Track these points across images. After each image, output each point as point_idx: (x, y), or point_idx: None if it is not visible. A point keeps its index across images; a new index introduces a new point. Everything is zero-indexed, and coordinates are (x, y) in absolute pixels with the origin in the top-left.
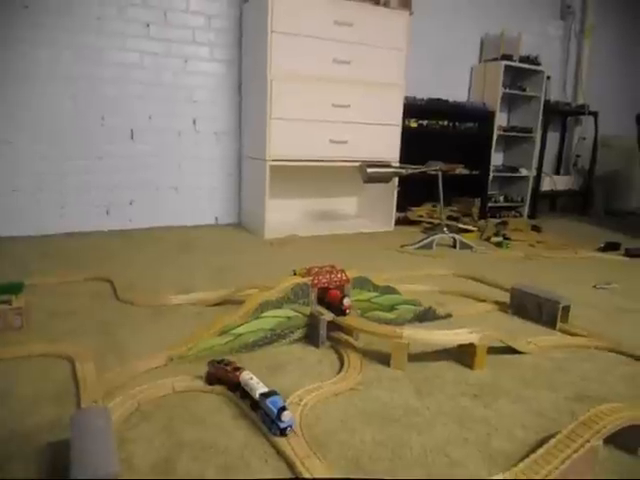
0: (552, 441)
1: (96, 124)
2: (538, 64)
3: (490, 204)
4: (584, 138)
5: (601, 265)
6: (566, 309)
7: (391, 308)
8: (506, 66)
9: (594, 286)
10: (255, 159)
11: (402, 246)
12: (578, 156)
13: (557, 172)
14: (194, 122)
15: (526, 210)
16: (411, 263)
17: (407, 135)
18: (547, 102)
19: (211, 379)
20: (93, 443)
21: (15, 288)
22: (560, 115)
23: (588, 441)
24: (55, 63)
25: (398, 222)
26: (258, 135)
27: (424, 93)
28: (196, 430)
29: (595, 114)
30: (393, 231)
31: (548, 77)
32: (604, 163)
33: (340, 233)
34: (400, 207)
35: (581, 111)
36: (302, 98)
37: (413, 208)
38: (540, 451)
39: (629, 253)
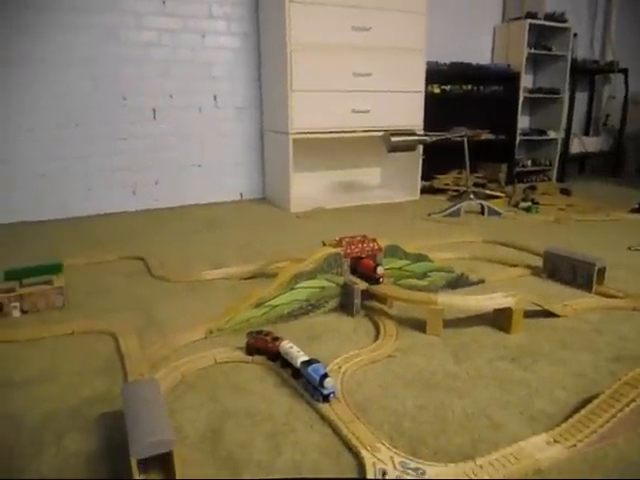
0: (596, 401)
1: (118, 105)
2: (564, 21)
3: (517, 169)
4: (614, 97)
5: (635, 226)
6: (602, 271)
7: (423, 275)
8: (530, 25)
9: (629, 248)
10: (278, 133)
11: (429, 214)
12: (608, 115)
13: (586, 133)
14: (215, 98)
15: (555, 173)
16: (439, 231)
17: (430, 101)
18: (574, 61)
19: (251, 349)
20: (146, 412)
21: (55, 268)
22: (588, 74)
23: (633, 400)
24: (72, 45)
25: (423, 191)
26: (279, 108)
27: (446, 57)
28: (240, 399)
29: (625, 71)
30: (419, 200)
31: (575, 34)
32: (635, 121)
33: (366, 204)
34: (425, 175)
35: (610, 69)
36: (322, 68)
37: (438, 176)
38: (584, 411)
39: None
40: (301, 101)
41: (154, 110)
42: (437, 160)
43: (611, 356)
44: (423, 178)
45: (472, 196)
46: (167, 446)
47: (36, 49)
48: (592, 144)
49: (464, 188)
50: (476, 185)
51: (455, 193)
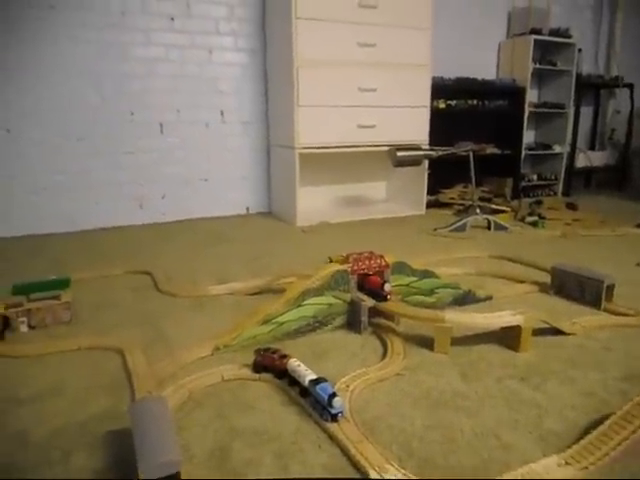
0: (607, 422)
1: (125, 119)
2: (569, 37)
3: (523, 183)
4: (619, 111)
5: None
6: (610, 288)
7: (431, 292)
8: (535, 40)
9: (637, 264)
10: (284, 147)
11: (435, 229)
12: (613, 130)
13: (592, 147)
14: (222, 113)
15: (560, 188)
16: (445, 246)
17: (436, 116)
18: (579, 76)
19: (258, 367)
20: (155, 431)
21: (63, 283)
22: (593, 89)
23: None
24: (81, 60)
25: (429, 205)
26: (286, 123)
27: (452, 73)
28: (248, 417)
29: (630, 86)
30: (425, 214)
31: (579, 50)
32: None
33: (371, 218)
34: (431, 190)
35: (615, 83)
36: (328, 84)
37: (444, 190)
38: (595, 432)
39: None
40: (307, 116)
41: (161, 125)
42: (443, 174)
43: (620, 375)
44: (429, 192)
45: (478, 210)
46: (175, 467)
47: (45, 63)
48: (598, 158)
49: (470, 202)
50: (482, 199)
51: (461, 207)
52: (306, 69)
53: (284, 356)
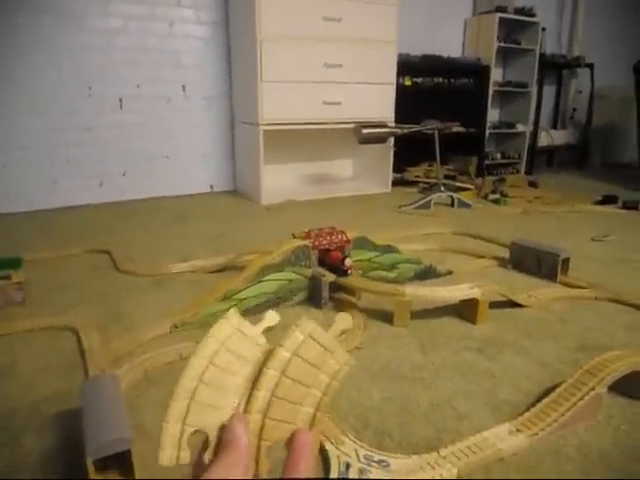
0: (558, 390)
1: (83, 94)
2: (533, 15)
3: (487, 161)
4: (580, 91)
5: (599, 218)
6: (566, 261)
7: (392, 267)
8: (500, 18)
9: (592, 239)
10: (248, 124)
11: (400, 207)
12: (574, 109)
13: (554, 126)
14: (183, 88)
15: (523, 166)
16: (410, 223)
17: (402, 93)
18: (542, 55)
19: None
20: (104, 410)
21: (14, 263)
22: (556, 68)
23: (593, 389)
24: (35, 31)
25: (395, 183)
26: (249, 99)
27: (418, 50)
28: None
29: (591, 66)
30: (390, 192)
31: (543, 29)
32: (601, 115)
33: (337, 196)
34: (397, 168)
35: (577, 63)
36: (293, 59)
37: (410, 168)
38: (546, 400)
39: (626, 205)
40: (271, 92)
41: (120, 100)
42: (409, 152)
43: (574, 345)
44: (395, 170)
45: (442, 188)
46: (124, 445)
47: None
48: (559, 137)
49: (435, 180)
50: (447, 177)
51: (426, 185)
52: (270, 43)
53: None
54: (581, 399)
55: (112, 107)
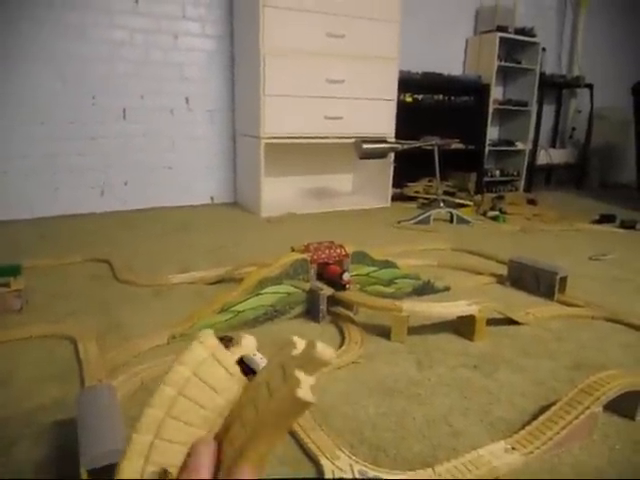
0: (553, 408)
1: (87, 104)
2: (533, 36)
3: (486, 178)
4: (579, 111)
5: (596, 237)
6: (563, 280)
7: (390, 282)
8: (501, 38)
9: (590, 257)
10: (249, 137)
11: (399, 222)
12: (574, 129)
13: (553, 145)
14: (187, 100)
15: (522, 184)
16: (408, 238)
17: (402, 110)
18: (542, 74)
19: None
20: (99, 420)
21: (13, 270)
22: (555, 88)
23: (588, 408)
24: (42, 42)
25: (394, 198)
26: (252, 112)
27: (419, 67)
28: None
29: (590, 86)
30: (390, 207)
31: (543, 49)
32: (599, 136)
33: (337, 210)
34: (396, 183)
35: (576, 83)
36: (296, 74)
37: (410, 184)
38: (541, 418)
39: (623, 225)
40: (273, 106)
41: (124, 110)
42: (409, 168)
43: (570, 364)
44: (395, 185)
45: (442, 204)
46: (118, 456)
47: (4, 44)
48: (558, 156)
49: (434, 196)
50: (446, 193)
51: (425, 201)
52: (273, 58)
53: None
54: (576, 418)
55: (115, 117)
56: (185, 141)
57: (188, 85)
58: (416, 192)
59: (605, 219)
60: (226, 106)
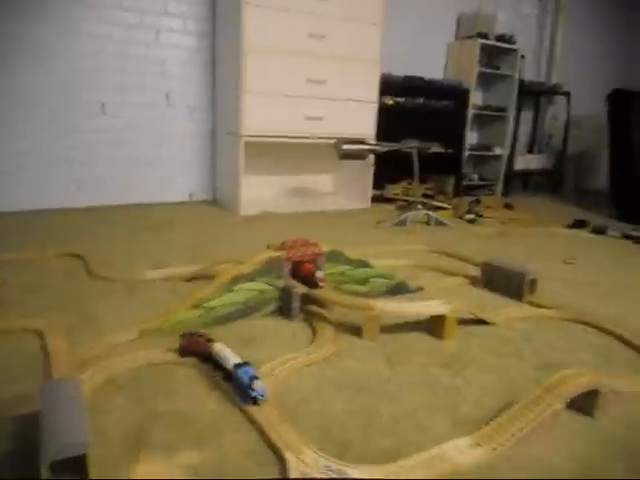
0: (517, 406)
1: (65, 98)
2: (513, 43)
3: (465, 182)
4: (556, 118)
5: (569, 241)
6: (533, 282)
7: (364, 281)
8: (482, 44)
9: (564, 261)
10: (229, 134)
11: (378, 223)
12: (550, 135)
13: (530, 151)
14: (167, 96)
15: (499, 188)
16: (386, 239)
17: (383, 112)
18: (521, 81)
19: (184, 351)
20: (63, 413)
21: None
22: (533, 94)
23: (550, 405)
24: (23, 35)
25: (374, 199)
26: (232, 110)
27: (401, 70)
28: (169, 401)
29: (567, 94)
30: (369, 209)
31: (522, 56)
32: (575, 143)
33: (316, 210)
34: (377, 185)
35: (554, 91)
36: (277, 73)
37: (389, 186)
38: (505, 415)
39: (595, 230)
40: (254, 104)
41: (103, 105)
42: (389, 170)
43: (538, 364)
44: (375, 187)
45: (420, 206)
46: (81, 449)
47: None
48: (535, 162)
49: (413, 199)
50: (425, 196)
51: (404, 203)
52: (254, 56)
53: (210, 340)
54: (539, 415)
55: (94, 112)
56: (164, 137)
57: (169, 81)
58: (395, 194)
59: (578, 224)
60: (207, 103)
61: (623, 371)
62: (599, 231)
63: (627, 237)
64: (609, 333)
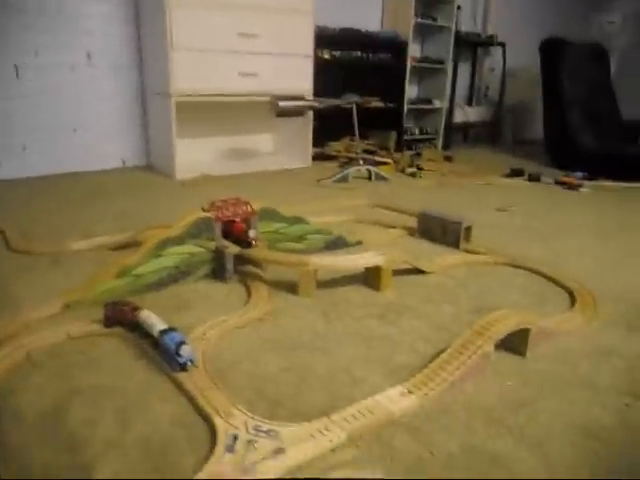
0: (448, 350)
1: None
2: None
3: (406, 137)
4: (493, 69)
5: (506, 190)
6: (468, 229)
7: (300, 238)
8: None
9: (498, 209)
10: (159, 95)
11: (319, 180)
12: (488, 87)
13: (469, 103)
14: (89, 56)
15: (441, 142)
16: (327, 196)
17: (321, 67)
18: (458, 33)
19: (109, 322)
20: None
21: None
22: (471, 46)
23: (480, 347)
24: None
25: (316, 158)
26: (160, 68)
27: (336, 22)
28: (93, 375)
29: (503, 45)
30: (311, 167)
31: (459, 7)
32: (512, 94)
33: (257, 171)
34: (318, 142)
35: (490, 42)
36: (205, 26)
37: (331, 143)
38: (437, 360)
39: (530, 178)
40: (182, 61)
41: (16, 67)
42: (330, 127)
43: (472, 308)
44: (317, 145)
45: (361, 162)
46: None
47: None
48: (474, 114)
49: (354, 155)
50: (367, 152)
51: (346, 160)
52: (180, 9)
53: (136, 308)
54: (469, 358)
55: (7, 76)
56: (89, 100)
57: (89, 39)
58: (337, 151)
59: (515, 173)
60: (133, 62)
61: (553, 310)
62: (534, 179)
63: (559, 183)
64: (540, 275)
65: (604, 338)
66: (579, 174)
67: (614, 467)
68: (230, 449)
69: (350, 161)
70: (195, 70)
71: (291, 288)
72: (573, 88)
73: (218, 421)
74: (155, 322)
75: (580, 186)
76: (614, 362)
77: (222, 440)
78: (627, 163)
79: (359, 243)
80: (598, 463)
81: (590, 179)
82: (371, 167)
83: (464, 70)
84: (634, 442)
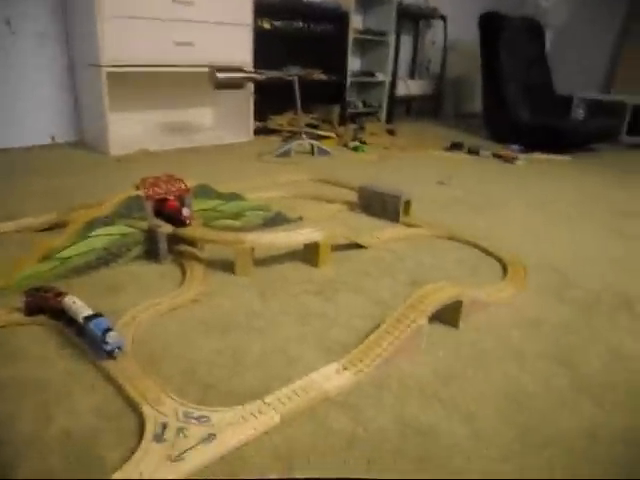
0: (382, 326)
1: None
2: None
3: (350, 110)
4: (434, 42)
5: (447, 163)
6: (408, 203)
7: (238, 215)
8: None
9: (438, 182)
10: (89, 66)
11: (260, 155)
12: (429, 60)
13: (412, 77)
14: (8, 22)
15: (384, 115)
16: (268, 171)
17: (262, 38)
18: (400, 4)
19: (31, 309)
20: None
21: None
22: (412, 18)
23: (414, 321)
24: None
25: (258, 132)
26: (89, 37)
27: None
28: (10, 368)
29: (444, 18)
30: (252, 141)
31: None
32: (453, 67)
33: (196, 146)
34: (261, 116)
35: (432, 15)
36: None
37: (274, 117)
38: (372, 336)
39: (470, 151)
40: (113, 29)
41: None
42: (273, 100)
43: (408, 281)
44: (259, 119)
45: (304, 136)
46: None
47: None
48: (417, 87)
49: (297, 129)
50: (310, 126)
51: (289, 134)
52: None
53: (60, 294)
54: (403, 332)
55: None
56: (11, 72)
57: (7, 4)
58: (280, 125)
59: (455, 146)
60: (59, 30)
61: (487, 280)
62: (473, 152)
63: (496, 156)
64: (475, 246)
65: (534, 308)
66: (515, 147)
67: (538, 435)
68: (159, 438)
69: (293, 135)
70: (126, 39)
71: (228, 267)
72: (510, 62)
73: (146, 410)
74: (80, 308)
75: (515, 159)
76: (543, 331)
77: (150, 430)
78: (559, 136)
79: (299, 219)
80: (526, 432)
81: (525, 152)
82: (314, 141)
83: (406, 43)
84: (555, 408)
